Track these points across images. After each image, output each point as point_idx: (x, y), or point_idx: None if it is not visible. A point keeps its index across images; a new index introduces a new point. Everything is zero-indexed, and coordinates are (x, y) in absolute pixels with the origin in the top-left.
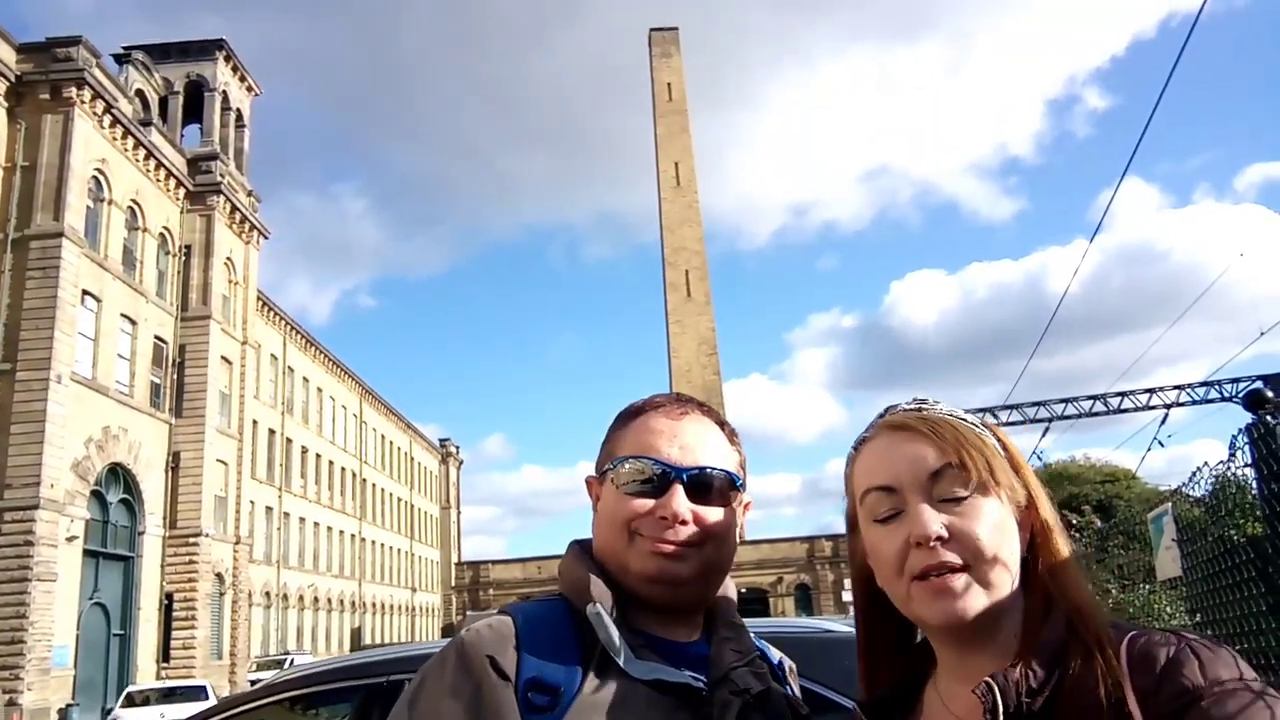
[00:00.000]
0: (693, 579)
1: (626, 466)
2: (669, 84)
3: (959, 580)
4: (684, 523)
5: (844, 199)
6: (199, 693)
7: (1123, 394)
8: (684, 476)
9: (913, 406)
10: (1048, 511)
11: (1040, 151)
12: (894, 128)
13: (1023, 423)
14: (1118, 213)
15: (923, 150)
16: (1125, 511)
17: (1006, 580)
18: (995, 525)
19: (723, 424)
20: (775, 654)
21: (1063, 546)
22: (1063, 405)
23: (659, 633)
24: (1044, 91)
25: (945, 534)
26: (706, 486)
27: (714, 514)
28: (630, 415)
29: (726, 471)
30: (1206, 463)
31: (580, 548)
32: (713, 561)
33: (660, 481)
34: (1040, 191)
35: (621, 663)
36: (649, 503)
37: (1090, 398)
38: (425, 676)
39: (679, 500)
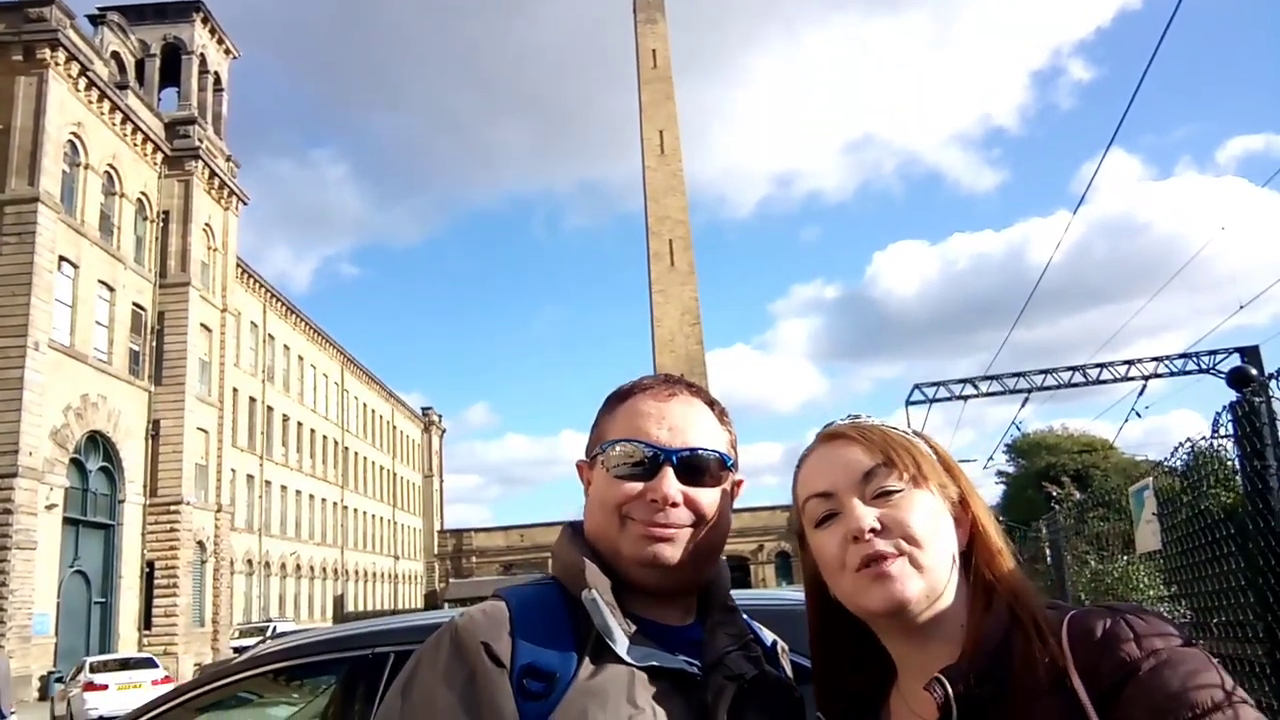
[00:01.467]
0: (685, 562)
1: (616, 450)
2: (654, 50)
3: (894, 564)
4: (675, 505)
5: (828, 169)
6: (149, 663)
7: (1101, 365)
8: (673, 458)
9: (847, 420)
10: (981, 508)
11: (1024, 123)
12: (878, 98)
13: (1002, 393)
14: (1100, 184)
15: (907, 121)
16: (1102, 481)
17: (942, 566)
18: (926, 514)
19: (712, 403)
20: (768, 636)
21: (997, 539)
22: (1042, 376)
23: (653, 616)
24: (1029, 63)
25: (878, 525)
26: (697, 468)
27: (705, 495)
28: (618, 398)
29: (717, 452)
30: (1189, 438)
31: (573, 530)
32: (705, 544)
33: (650, 464)
34: (1023, 163)
35: (618, 649)
36: (639, 486)
37: (1069, 369)
38: (419, 663)
39: (669, 482)
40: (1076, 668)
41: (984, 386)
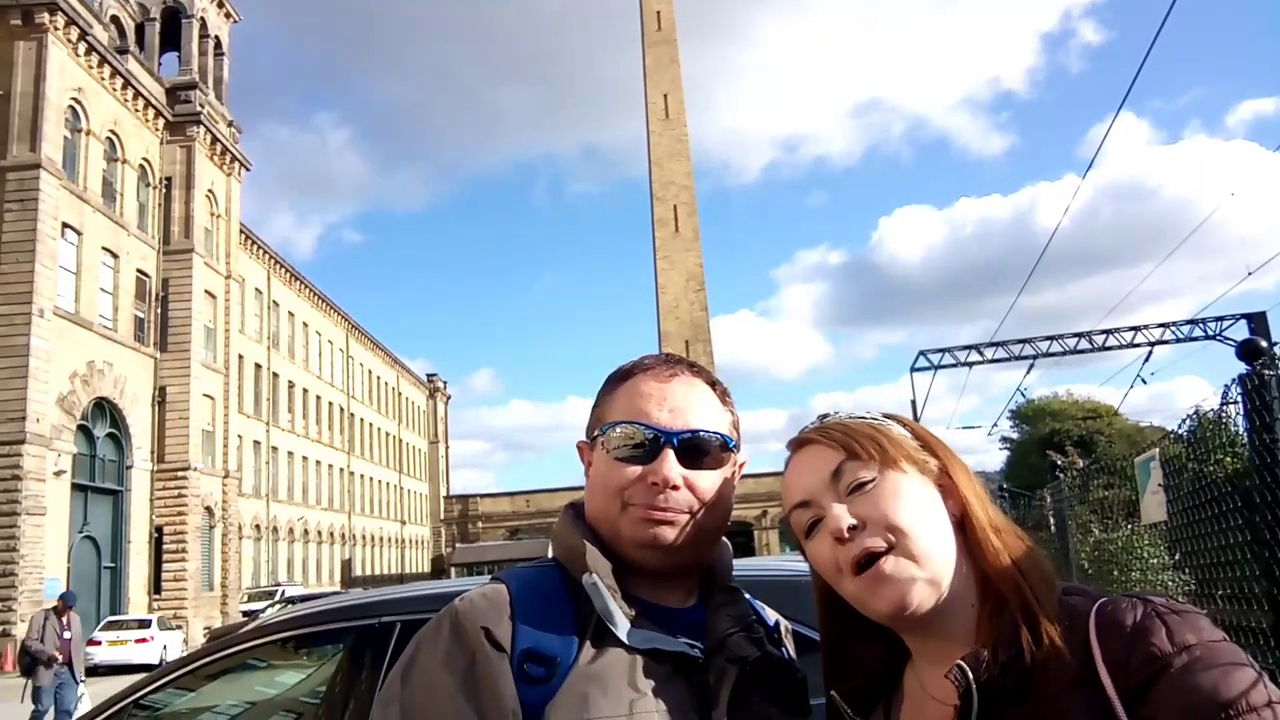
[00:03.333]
0: (685, 544)
1: (616, 432)
2: (658, 12)
3: (889, 564)
4: (675, 488)
5: (835, 133)
6: (145, 624)
7: (1108, 331)
8: (674, 440)
9: (814, 423)
10: (965, 479)
11: (1033, 86)
12: (887, 60)
13: (1008, 359)
14: (1108, 148)
15: (916, 83)
16: (1106, 447)
17: (937, 550)
18: (904, 498)
19: (714, 384)
20: (771, 615)
21: (983, 512)
22: (1048, 342)
23: (654, 599)
24: (1039, 25)
25: (855, 523)
26: (698, 450)
27: (706, 478)
28: (619, 379)
29: (718, 434)
30: (1197, 407)
31: (574, 512)
32: (706, 526)
33: (650, 446)
34: (1031, 126)
35: (619, 633)
36: (639, 468)
37: (1075, 335)
38: (419, 648)
39: (670, 465)
40: (1104, 660)
41: (989, 353)
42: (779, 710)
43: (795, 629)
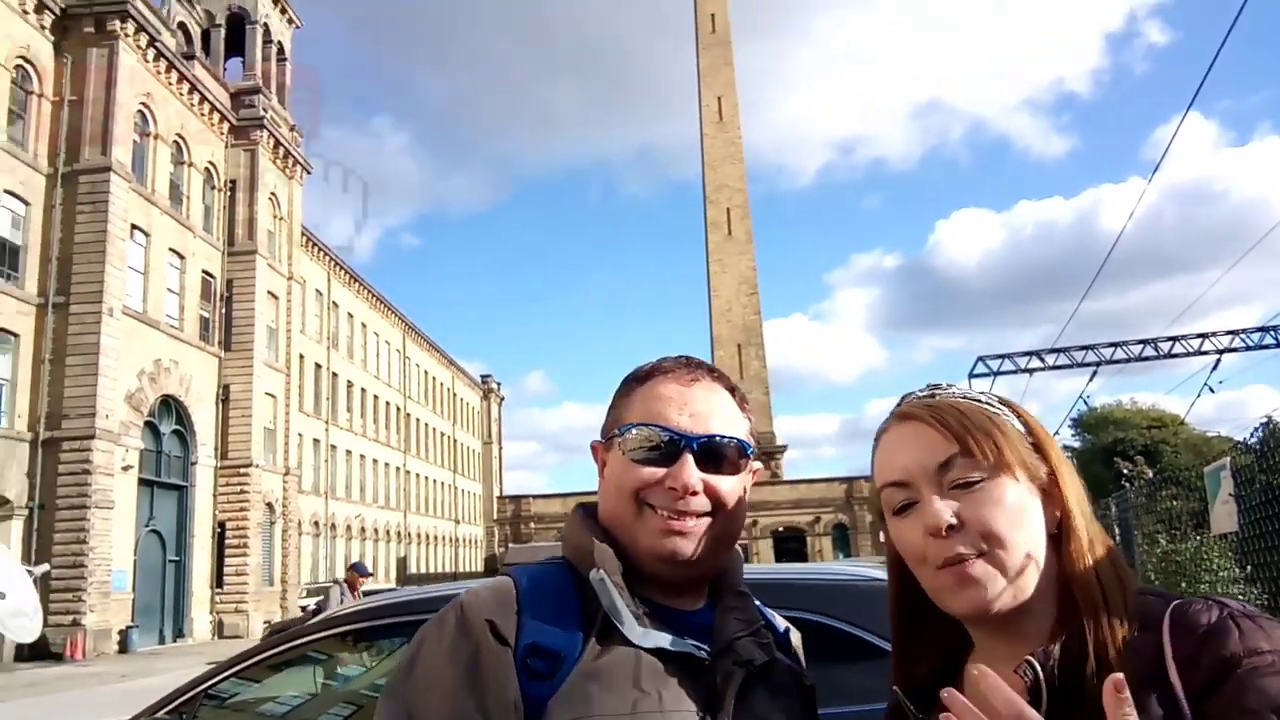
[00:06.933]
0: (703, 555)
1: (634, 433)
2: (712, 14)
3: (977, 567)
4: (694, 493)
5: (893, 136)
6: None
7: (1174, 339)
8: (694, 445)
9: (924, 393)
10: (1072, 490)
11: (1097, 87)
12: (948, 61)
13: (1070, 366)
14: (1173, 150)
15: (976, 85)
16: (1172, 458)
17: (1028, 563)
18: (1009, 508)
19: (733, 389)
20: (780, 623)
21: (1085, 531)
22: (1112, 349)
23: (663, 600)
24: (1104, 25)
25: (955, 522)
26: (717, 456)
27: (724, 484)
28: (638, 380)
29: (737, 440)
30: (1270, 418)
31: (585, 512)
32: (722, 533)
33: (669, 450)
34: (1094, 128)
35: (625, 630)
36: (659, 471)
37: (1140, 341)
38: (424, 639)
39: (689, 471)
40: (1174, 658)
41: (1050, 359)
42: (784, 716)
43: (863, 637)
